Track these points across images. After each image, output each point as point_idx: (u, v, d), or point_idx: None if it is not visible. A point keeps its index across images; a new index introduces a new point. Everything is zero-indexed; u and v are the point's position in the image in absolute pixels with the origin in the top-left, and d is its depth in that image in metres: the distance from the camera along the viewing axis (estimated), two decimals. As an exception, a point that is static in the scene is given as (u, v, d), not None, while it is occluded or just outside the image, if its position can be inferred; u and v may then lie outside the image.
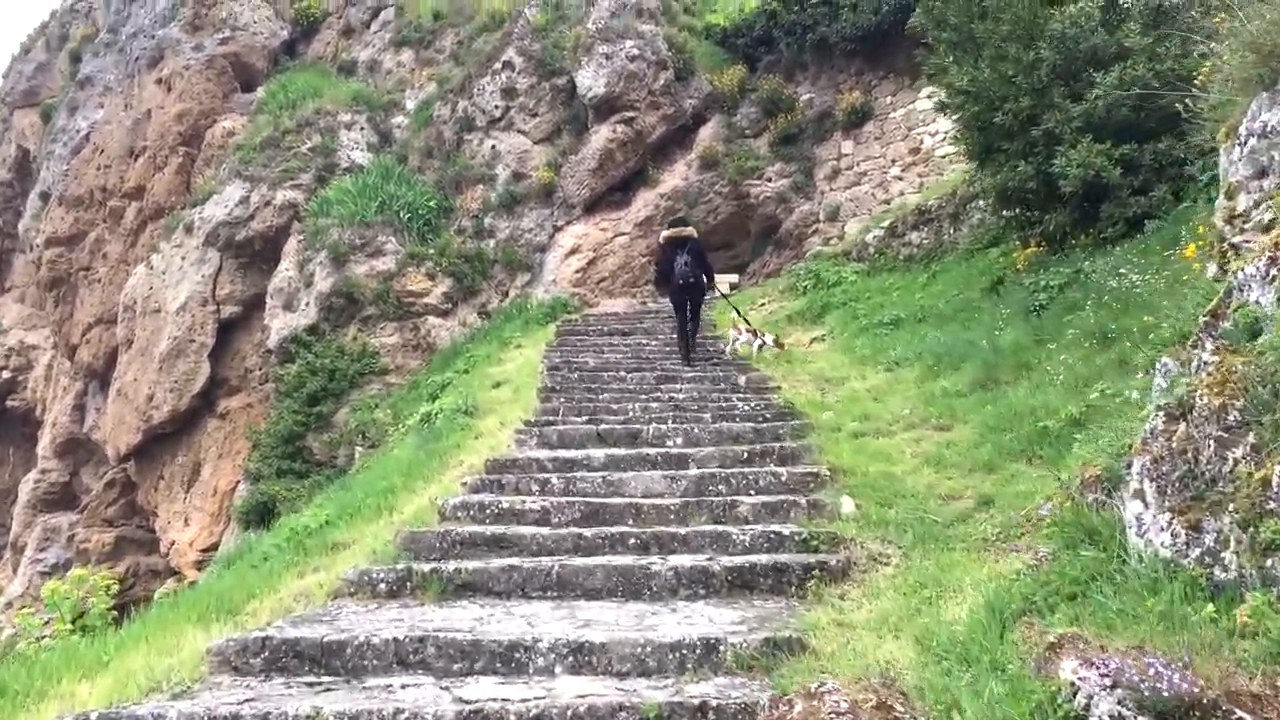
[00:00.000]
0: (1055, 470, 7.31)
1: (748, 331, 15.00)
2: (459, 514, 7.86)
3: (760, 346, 14.76)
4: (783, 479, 8.15)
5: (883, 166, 23.17)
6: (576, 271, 23.65)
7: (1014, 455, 7.90)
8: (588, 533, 7.17)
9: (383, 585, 6.65)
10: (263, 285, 23.89)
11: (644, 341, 16.84)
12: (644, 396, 12.04)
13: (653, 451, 9.18)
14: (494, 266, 23.74)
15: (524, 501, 7.87)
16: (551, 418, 11.07)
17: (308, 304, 22.67)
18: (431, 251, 23.27)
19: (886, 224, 18.74)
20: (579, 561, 6.64)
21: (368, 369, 22.57)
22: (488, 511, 7.81)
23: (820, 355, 14.93)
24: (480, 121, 24.97)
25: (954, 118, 13.91)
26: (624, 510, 7.63)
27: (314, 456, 21.88)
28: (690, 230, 15.13)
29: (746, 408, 11.29)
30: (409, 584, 6.62)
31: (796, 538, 6.85)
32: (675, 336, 15.07)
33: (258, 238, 24.14)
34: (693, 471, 8.53)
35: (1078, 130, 11.89)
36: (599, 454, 9.09)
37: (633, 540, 7.03)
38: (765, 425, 10.15)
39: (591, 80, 23.71)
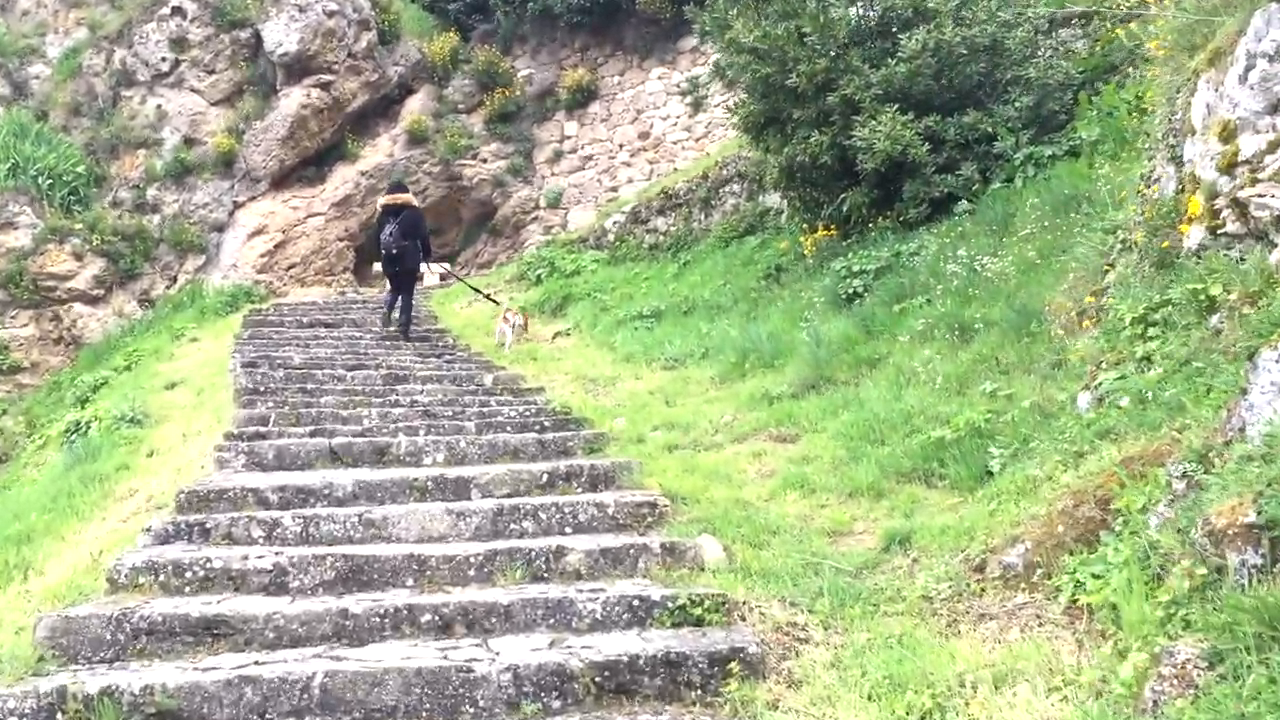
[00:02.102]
0: (972, 495, 5.65)
1: (507, 312, 13.54)
2: (142, 580, 5.13)
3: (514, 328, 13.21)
4: (609, 511, 5.98)
5: (610, 151, 21.51)
6: (262, 255, 20.40)
7: (904, 475, 6.16)
8: (354, 606, 4.69)
9: (12, 722, 3.94)
10: None
11: (356, 335, 14.15)
12: (378, 400, 9.49)
13: (416, 474, 6.74)
14: (159, 247, 20.07)
15: (245, 557, 5.24)
16: (261, 428, 8.31)
17: (-88, 285, 18.17)
18: (79, 226, 19.32)
19: (629, 209, 16.98)
20: (354, 662, 4.18)
21: (-7, 366, 18.49)
22: (189, 574, 5.14)
23: (570, 352, 12.92)
24: (143, 76, 21.11)
25: (735, 81, 12.27)
26: (400, 566, 5.20)
27: (-81, 475, 17.55)
28: (407, 197, 13.68)
29: (513, 413, 9.04)
30: (62, 718, 3.95)
31: (669, 604, 4.71)
32: (383, 320, 13.80)
33: None
34: (482, 502, 6.20)
35: (878, 99, 10.53)
36: (344, 479, 6.54)
37: (428, 617, 4.63)
38: (549, 436, 7.94)
39: (282, 35, 20.53)
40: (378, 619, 4.63)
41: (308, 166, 21.34)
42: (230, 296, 18.50)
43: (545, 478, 6.64)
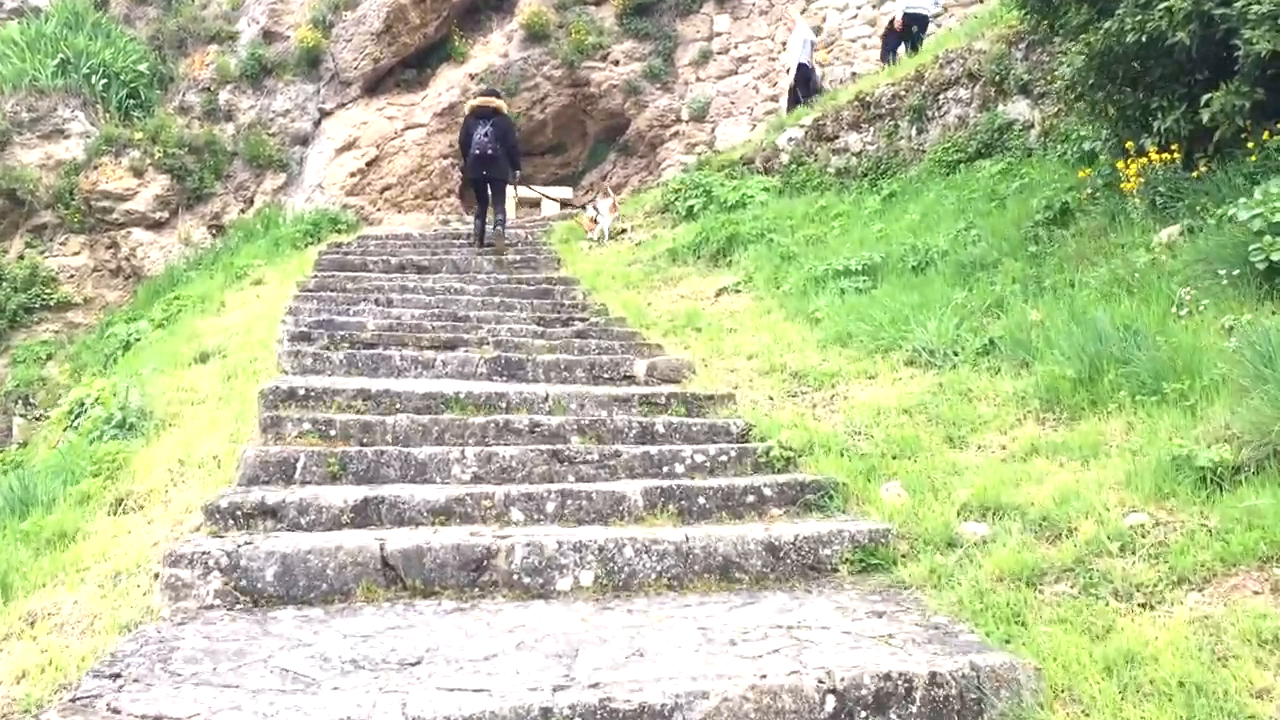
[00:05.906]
0: None
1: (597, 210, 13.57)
2: None
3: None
4: None
5: (770, 51, 17.52)
6: (352, 174, 17.05)
7: None
8: None
9: None
10: (-125, 174, 16.34)
11: (455, 285, 10.67)
12: (480, 420, 5.94)
13: (536, 650, 3.21)
14: (233, 162, 16.89)
15: None
16: (277, 490, 4.78)
17: (-60, 205, 15.43)
18: (140, 136, 16.24)
19: (810, 120, 13.05)
20: None
21: (39, 301, 15.83)
22: None
23: (746, 319, 9.23)
24: (217, -45, 17.81)
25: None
26: None
27: (-47, 429, 15.05)
28: (499, 103, 12.96)
29: (700, 458, 5.42)
30: None
31: None
32: (474, 235, 13.10)
33: None
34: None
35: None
36: (390, 699, 3.02)
37: None
38: (785, 536, 4.31)
39: (377, -96, 16.92)
40: None
41: (407, 68, 17.87)
42: (312, 224, 15.24)
43: (833, 707, 3.00)
